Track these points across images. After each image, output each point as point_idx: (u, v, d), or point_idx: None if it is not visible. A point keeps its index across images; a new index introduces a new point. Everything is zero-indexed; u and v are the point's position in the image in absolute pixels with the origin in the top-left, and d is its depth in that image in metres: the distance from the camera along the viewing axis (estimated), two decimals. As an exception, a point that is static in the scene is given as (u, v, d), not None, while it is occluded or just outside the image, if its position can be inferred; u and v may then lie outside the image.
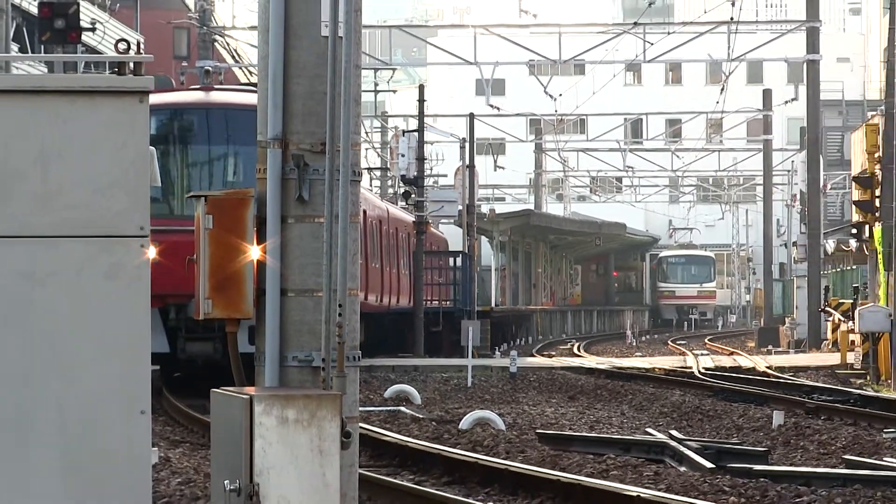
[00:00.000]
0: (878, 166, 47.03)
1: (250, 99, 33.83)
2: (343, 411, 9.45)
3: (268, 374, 9.82)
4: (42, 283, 10.00)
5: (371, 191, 75.87)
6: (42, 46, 32.78)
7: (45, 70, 26.11)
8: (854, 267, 67.92)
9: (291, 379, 9.83)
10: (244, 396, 9.44)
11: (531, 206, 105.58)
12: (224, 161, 37.15)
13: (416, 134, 64.66)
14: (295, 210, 9.95)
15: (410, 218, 62.64)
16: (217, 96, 37.70)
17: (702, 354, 63.85)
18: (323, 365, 9.68)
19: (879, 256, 46.62)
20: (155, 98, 33.54)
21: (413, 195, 62.82)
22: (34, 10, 42.22)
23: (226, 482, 9.49)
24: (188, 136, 36.25)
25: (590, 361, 56.63)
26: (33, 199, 9.98)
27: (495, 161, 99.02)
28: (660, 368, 48.66)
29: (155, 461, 9.98)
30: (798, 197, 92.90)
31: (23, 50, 49.30)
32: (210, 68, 48.99)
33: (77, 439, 9.90)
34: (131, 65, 10.50)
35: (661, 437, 24.35)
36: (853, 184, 55.43)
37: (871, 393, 37.23)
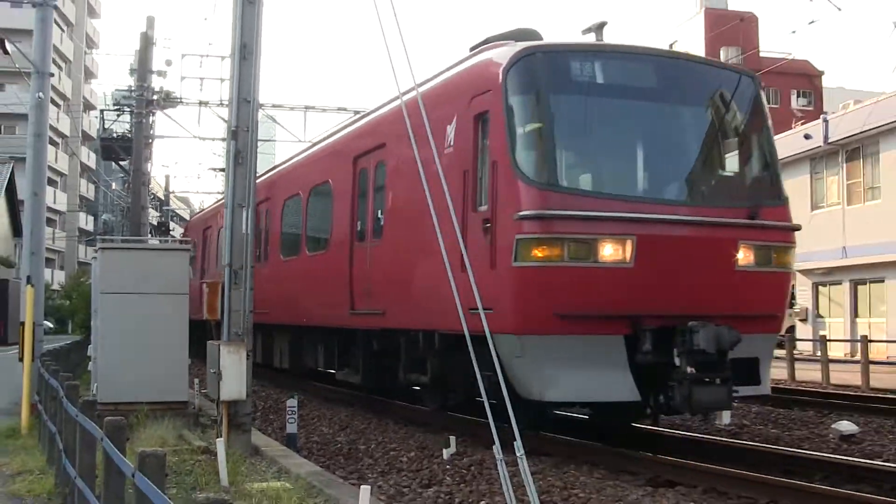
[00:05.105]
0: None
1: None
2: (246, 347, 12.90)
3: (224, 337, 13.02)
4: (148, 310, 13.56)
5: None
6: (158, 237, 38.20)
7: (157, 242, 30.41)
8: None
9: (233, 338, 12.86)
10: (217, 344, 12.60)
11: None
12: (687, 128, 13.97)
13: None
14: (234, 288, 13.01)
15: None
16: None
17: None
18: (241, 333, 12.90)
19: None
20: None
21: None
22: (155, 222, 48.80)
23: (211, 370, 12.68)
24: (656, 94, 13.53)
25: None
26: (144, 282, 13.52)
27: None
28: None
29: (189, 363, 13.38)
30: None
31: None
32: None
33: (162, 353, 13.61)
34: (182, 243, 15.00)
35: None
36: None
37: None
